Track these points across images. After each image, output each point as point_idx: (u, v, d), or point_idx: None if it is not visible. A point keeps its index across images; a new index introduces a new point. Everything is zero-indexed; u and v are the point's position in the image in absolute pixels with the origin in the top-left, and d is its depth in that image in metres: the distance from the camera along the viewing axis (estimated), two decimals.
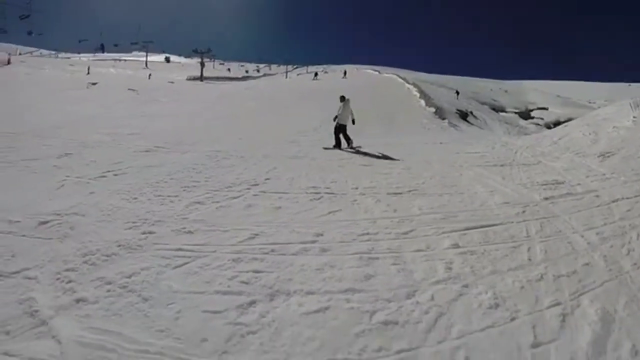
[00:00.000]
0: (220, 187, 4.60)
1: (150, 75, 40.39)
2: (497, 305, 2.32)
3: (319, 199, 4.25)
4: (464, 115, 22.24)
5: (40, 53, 66.71)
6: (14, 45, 64.68)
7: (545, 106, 39.42)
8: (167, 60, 71.70)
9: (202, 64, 45.54)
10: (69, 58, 63.00)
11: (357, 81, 32.73)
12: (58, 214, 3.77)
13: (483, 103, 33.49)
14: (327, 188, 4.63)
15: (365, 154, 7.13)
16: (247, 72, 63.22)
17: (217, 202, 4.11)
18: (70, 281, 2.68)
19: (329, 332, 2.08)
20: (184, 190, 4.49)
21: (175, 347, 2.01)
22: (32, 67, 39.17)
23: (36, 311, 2.36)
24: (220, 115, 12.22)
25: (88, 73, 35.30)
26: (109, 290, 2.52)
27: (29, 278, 2.73)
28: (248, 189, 4.55)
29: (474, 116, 23.97)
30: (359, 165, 6.10)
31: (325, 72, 57.45)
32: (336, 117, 7.78)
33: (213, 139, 7.57)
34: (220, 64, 71.51)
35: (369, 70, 51.29)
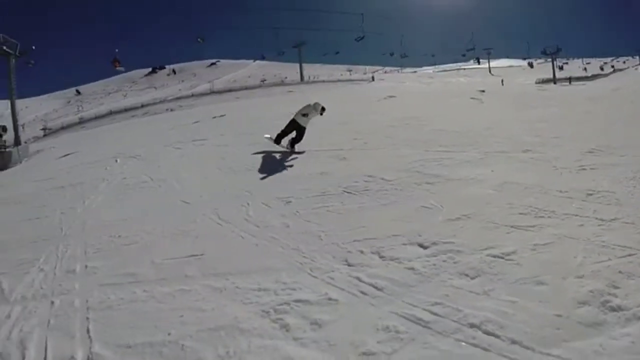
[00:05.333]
0: None
1: (502, 80, 40.60)
2: None
3: None
4: None
5: (385, 71, 76.93)
6: (360, 66, 73.69)
7: None
8: (531, 65, 67.30)
9: (559, 67, 41.15)
10: (415, 72, 71.13)
11: None
12: (576, 190, 4.64)
13: None
14: None
15: None
16: (602, 69, 51.67)
17: None
18: None
19: None
20: None
21: None
22: (392, 81, 48.81)
23: None
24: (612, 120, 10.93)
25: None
26: None
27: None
28: None
29: None
30: None
31: None
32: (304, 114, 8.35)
33: None
34: (564, 63, 62.17)
35: None
